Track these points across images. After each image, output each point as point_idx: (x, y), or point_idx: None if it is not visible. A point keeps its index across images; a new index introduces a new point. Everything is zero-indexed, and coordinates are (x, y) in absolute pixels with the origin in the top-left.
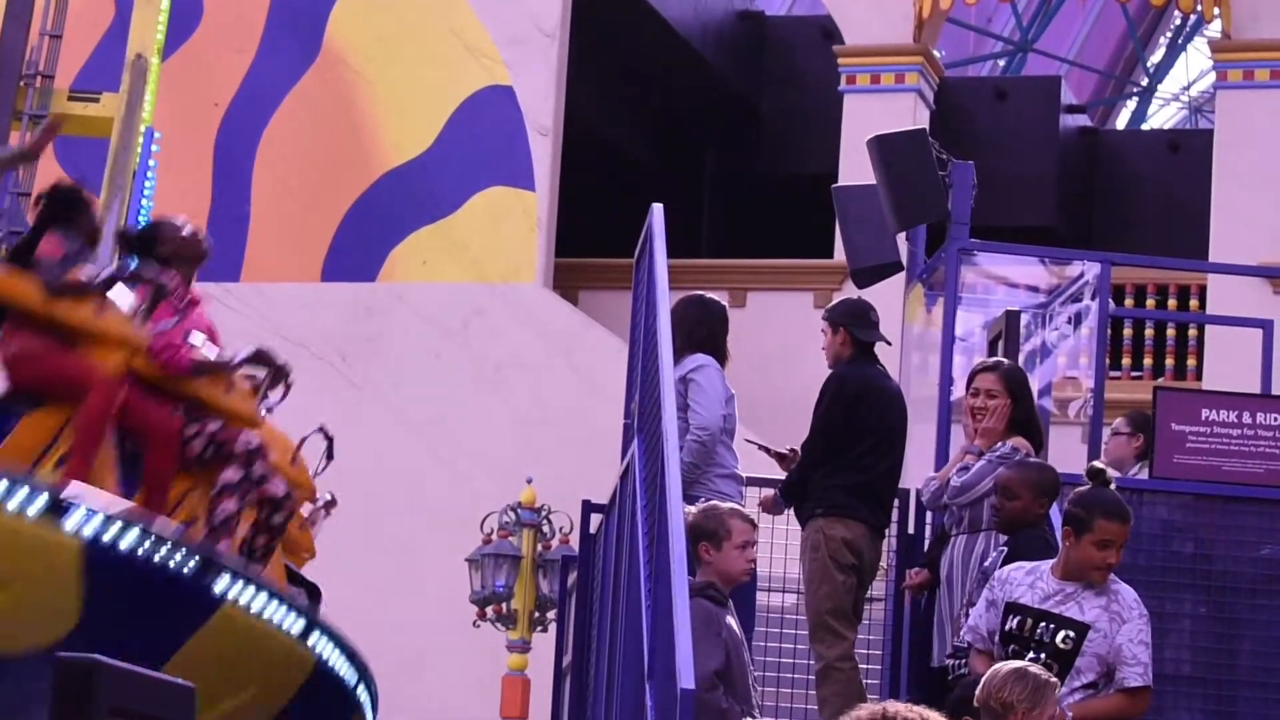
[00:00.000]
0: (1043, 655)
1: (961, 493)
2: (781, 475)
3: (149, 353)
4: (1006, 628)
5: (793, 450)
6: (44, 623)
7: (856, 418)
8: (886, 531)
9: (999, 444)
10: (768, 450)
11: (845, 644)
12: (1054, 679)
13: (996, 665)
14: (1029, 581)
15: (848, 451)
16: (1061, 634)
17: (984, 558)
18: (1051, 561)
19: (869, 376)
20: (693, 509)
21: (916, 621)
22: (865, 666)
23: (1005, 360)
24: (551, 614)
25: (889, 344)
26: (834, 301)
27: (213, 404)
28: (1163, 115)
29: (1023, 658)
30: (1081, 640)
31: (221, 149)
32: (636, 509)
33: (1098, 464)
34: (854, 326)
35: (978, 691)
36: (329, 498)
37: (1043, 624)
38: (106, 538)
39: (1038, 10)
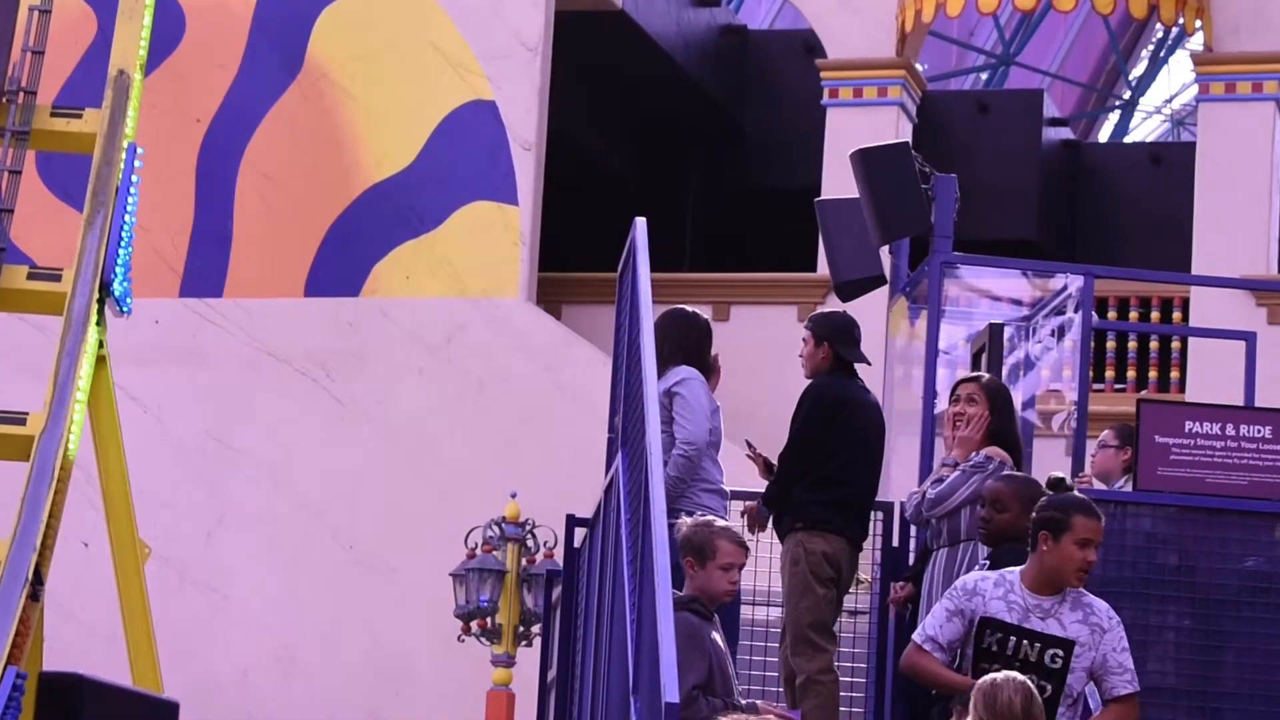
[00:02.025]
0: (1031, 675)
1: (937, 504)
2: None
3: None
4: (984, 645)
5: (762, 457)
6: None
7: (833, 431)
8: (865, 545)
9: (973, 454)
10: (754, 455)
11: (826, 657)
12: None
13: (1004, 675)
14: (1000, 594)
15: (826, 465)
16: (1050, 653)
17: (970, 569)
18: (1018, 571)
19: (846, 389)
20: (688, 520)
21: (901, 635)
22: (850, 680)
23: (988, 374)
24: (536, 628)
25: (869, 364)
26: (819, 311)
27: None
28: (1145, 128)
29: None
30: (1069, 657)
31: (204, 164)
32: (620, 523)
33: (1057, 474)
34: (838, 343)
35: (979, 705)
36: None
37: (1025, 642)
38: None
39: (1020, 24)
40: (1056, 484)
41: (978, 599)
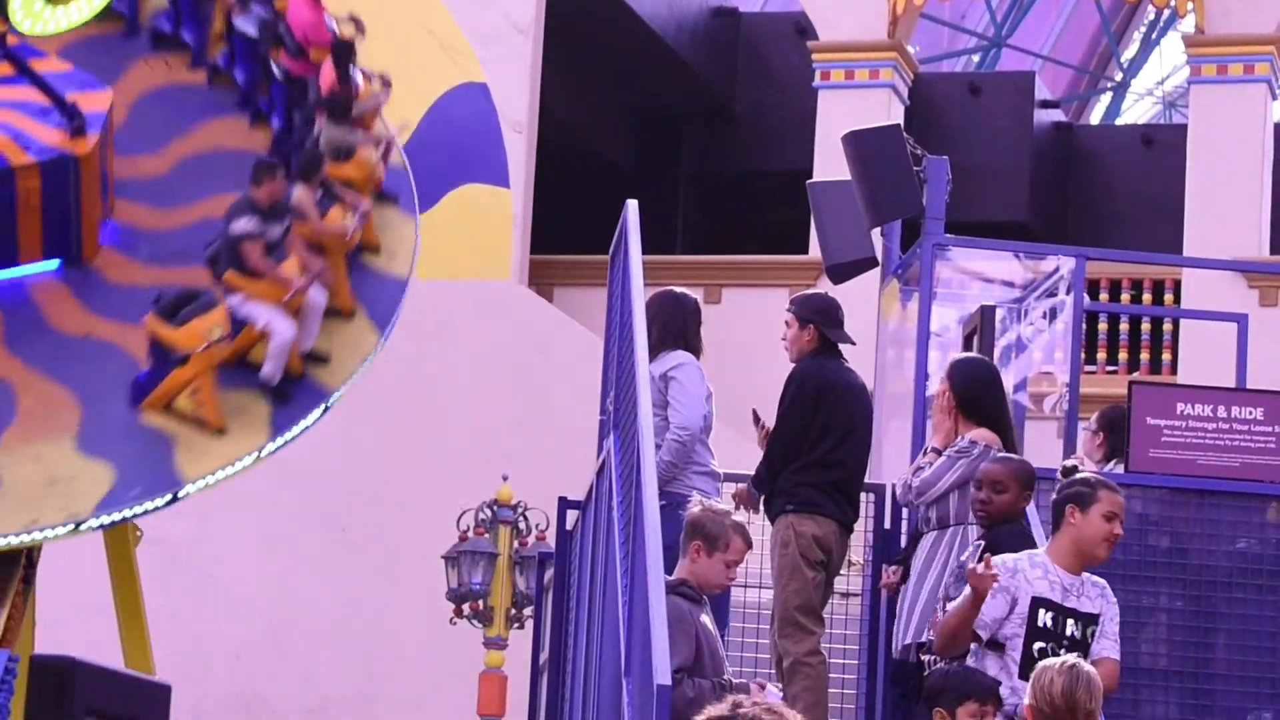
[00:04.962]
0: (1078, 651)
1: (922, 493)
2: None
3: None
4: (1039, 623)
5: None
6: None
7: (819, 414)
8: (855, 527)
9: (957, 439)
10: (759, 424)
11: (813, 640)
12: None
13: (1055, 659)
14: (1040, 574)
15: (814, 448)
16: (1089, 629)
17: (960, 551)
18: (1043, 551)
19: (830, 371)
20: (701, 502)
21: (892, 618)
22: (843, 662)
23: (963, 355)
24: (528, 611)
25: (854, 344)
26: (799, 294)
27: None
28: (1137, 110)
29: (1058, 654)
30: (1096, 631)
31: None
32: (612, 505)
33: (1070, 461)
34: (824, 324)
35: (1041, 692)
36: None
37: (1070, 620)
38: None
39: (1011, 6)
40: (1069, 473)
41: (1020, 576)
